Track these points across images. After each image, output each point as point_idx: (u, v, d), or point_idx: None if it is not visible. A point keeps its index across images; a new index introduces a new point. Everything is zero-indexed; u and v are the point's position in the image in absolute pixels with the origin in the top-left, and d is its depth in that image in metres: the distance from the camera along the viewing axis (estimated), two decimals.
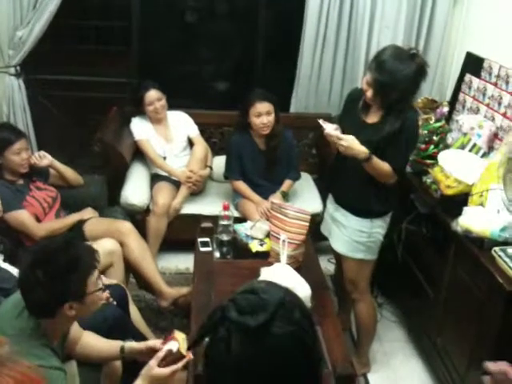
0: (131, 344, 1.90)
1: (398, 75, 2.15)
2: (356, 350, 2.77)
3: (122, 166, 3.39)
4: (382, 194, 2.39)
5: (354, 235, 2.45)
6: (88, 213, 2.96)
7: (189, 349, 1.68)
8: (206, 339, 1.02)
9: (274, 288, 1.05)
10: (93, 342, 1.92)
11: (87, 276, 1.64)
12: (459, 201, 2.46)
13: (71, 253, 1.63)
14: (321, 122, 2.28)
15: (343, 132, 2.31)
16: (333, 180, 2.61)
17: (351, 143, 2.20)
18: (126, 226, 2.85)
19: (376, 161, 2.25)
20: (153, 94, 3.36)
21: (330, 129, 2.25)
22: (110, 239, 2.64)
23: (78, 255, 1.63)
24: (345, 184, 2.44)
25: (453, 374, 2.43)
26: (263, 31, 3.89)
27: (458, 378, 2.38)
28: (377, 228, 2.45)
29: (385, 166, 2.27)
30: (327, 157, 3.20)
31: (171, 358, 1.70)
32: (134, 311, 2.44)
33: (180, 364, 1.70)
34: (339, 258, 2.68)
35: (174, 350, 1.71)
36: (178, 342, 1.74)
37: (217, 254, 2.62)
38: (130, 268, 2.81)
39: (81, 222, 2.88)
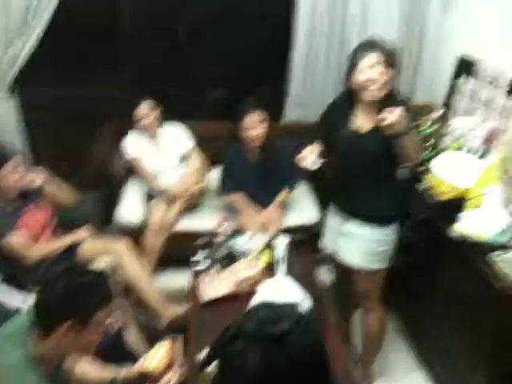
0: (123, 373, 1.89)
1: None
2: (360, 361, 2.74)
3: (116, 183, 3.38)
4: (396, 197, 2.35)
5: (371, 246, 2.37)
6: (84, 232, 2.94)
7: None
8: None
9: (288, 303, 1.06)
10: (87, 371, 1.91)
11: (99, 308, 1.64)
12: (455, 206, 2.43)
13: (100, 278, 1.68)
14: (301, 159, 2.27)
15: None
16: (338, 191, 2.47)
17: (399, 114, 2.01)
18: (122, 245, 2.83)
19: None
20: (146, 107, 3.34)
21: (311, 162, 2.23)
22: (106, 259, 2.62)
23: (104, 285, 1.68)
24: (355, 193, 2.35)
25: (455, 381, 2.40)
26: (253, 42, 3.88)
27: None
28: (393, 234, 2.40)
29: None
30: (324, 165, 3.17)
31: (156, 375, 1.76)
32: (130, 331, 2.42)
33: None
34: (345, 270, 2.55)
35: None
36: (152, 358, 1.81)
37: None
38: (127, 287, 2.78)
39: (76, 243, 2.85)
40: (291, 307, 1.03)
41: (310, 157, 2.23)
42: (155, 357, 1.80)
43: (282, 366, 0.94)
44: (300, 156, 2.26)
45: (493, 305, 2.05)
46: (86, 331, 1.61)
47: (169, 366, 1.77)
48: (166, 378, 1.73)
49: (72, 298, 1.58)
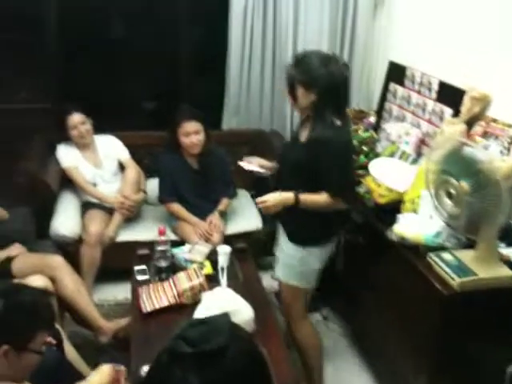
0: None
1: (314, 70, 2.10)
2: (306, 373, 2.61)
3: (49, 196, 3.25)
4: (320, 218, 2.25)
5: (291, 262, 2.36)
6: (15, 249, 2.79)
7: None
8: None
9: (218, 315, 1.02)
10: None
11: (40, 330, 1.53)
12: (393, 209, 2.50)
13: (41, 300, 1.58)
14: (242, 164, 2.28)
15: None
16: None
17: (273, 200, 2.17)
18: (57, 261, 2.71)
19: (306, 198, 2.19)
20: (76, 118, 3.25)
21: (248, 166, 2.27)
22: (40, 276, 2.49)
23: (45, 306, 1.57)
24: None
25: (400, 381, 2.45)
26: (188, 47, 3.86)
27: None
28: (311, 256, 2.33)
29: (318, 198, 2.19)
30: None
31: None
32: (69, 350, 2.31)
33: None
34: None
35: None
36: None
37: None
38: (65, 304, 2.67)
39: (8, 260, 2.70)
40: (222, 319, 0.99)
41: (251, 166, 2.24)
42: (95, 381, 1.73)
43: (225, 382, 0.90)
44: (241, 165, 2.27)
45: (434, 306, 2.09)
46: (23, 356, 1.50)
47: None
48: None
49: (10, 320, 1.46)
